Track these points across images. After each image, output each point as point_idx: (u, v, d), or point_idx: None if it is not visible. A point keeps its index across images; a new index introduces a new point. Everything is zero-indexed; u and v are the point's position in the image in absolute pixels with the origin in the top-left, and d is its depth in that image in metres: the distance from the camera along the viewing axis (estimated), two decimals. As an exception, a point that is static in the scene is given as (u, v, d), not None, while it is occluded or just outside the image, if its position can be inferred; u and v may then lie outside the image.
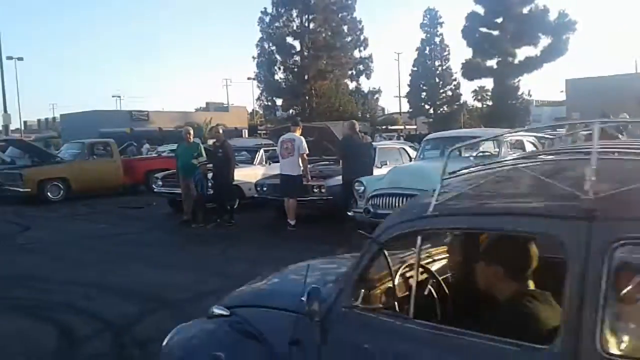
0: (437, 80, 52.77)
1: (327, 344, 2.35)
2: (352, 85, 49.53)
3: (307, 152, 9.76)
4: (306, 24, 44.95)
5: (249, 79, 50.53)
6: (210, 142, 13.61)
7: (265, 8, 44.96)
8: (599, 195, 1.76)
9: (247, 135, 36.47)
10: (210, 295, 4.94)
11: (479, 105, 52.20)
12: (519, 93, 39.82)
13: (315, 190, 10.10)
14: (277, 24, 45.21)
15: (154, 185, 13.60)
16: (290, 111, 45.88)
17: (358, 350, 2.26)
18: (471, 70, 38.81)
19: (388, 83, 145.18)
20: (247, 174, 11.84)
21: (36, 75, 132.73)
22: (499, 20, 37.16)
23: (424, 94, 52.94)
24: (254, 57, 46.40)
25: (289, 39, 45.47)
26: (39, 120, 79.41)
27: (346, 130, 10.36)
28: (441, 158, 10.36)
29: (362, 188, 8.79)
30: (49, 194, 15.33)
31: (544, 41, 36.43)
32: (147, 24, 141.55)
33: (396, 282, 2.37)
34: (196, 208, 10.73)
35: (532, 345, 1.79)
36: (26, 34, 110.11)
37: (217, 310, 3.00)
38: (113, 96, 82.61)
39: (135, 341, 4.77)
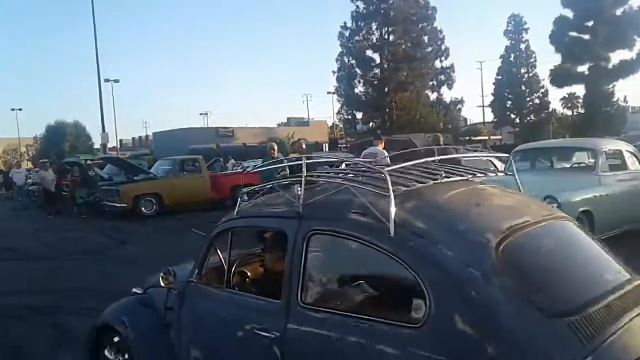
0: (523, 88, 50.97)
1: (183, 308, 3.40)
2: (433, 96, 48.76)
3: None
4: (386, 36, 44.95)
5: (328, 93, 51.19)
6: (292, 156, 13.79)
7: (345, 22, 45.48)
8: (304, 203, 2.80)
9: (327, 149, 36.77)
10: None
11: (569, 113, 49.74)
12: (614, 99, 37.47)
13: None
14: (356, 38, 45.51)
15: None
16: (370, 124, 45.89)
17: (197, 311, 3.33)
18: (561, 76, 37.05)
19: (471, 93, 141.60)
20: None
21: (131, 95, 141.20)
22: (590, 23, 35.29)
23: (509, 102, 51.28)
24: (333, 72, 46.98)
25: (369, 52, 45.65)
26: (133, 139, 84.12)
27: (430, 143, 10.19)
28: (532, 171, 9.92)
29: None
30: (143, 208, 16.15)
31: (640, 44, 34.21)
32: (230, 44, 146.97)
33: (234, 264, 3.46)
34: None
35: (272, 300, 2.83)
36: (121, 57, 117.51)
37: (135, 290, 4.17)
38: (200, 114, 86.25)
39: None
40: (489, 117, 55.80)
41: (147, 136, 74.20)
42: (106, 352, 3.88)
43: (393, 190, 2.44)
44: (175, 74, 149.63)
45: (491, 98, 52.96)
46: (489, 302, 2.15)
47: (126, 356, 3.70)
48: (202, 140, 38.09)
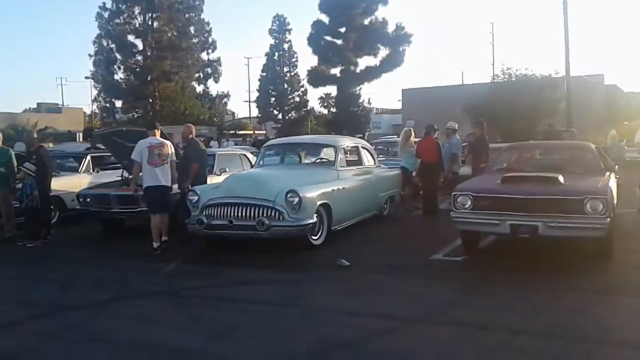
0: (286, 86, 53.34)
1: None
2: (199, 88, 48.38)
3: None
4: (149, 22, 42.92)
5: (86, 78, 47.03)
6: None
7: (104, 3, 42.17)
8: None
9: (81, 139, 33.68)
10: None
11: (325, 111, 53.70)
12: (360, 100, 41.64)
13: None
14: (117, 21, 42.66)
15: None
16: (132, 113, 43.45)
17: None
18: (316, 77, 39.76)
19: (238, 87, 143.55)
20: (70, 184, 10.70)
21: None
22: (342, 29, 38.52)
23: (273, 99, 53.22)
24: (90, 55, 43.34)
25: (131, 37, 43.08)
26: None
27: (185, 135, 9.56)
28: (280, 165, 10.15)
29: (196, 197, 8.18)
30: None
31: (383, 52, 38.53)
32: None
33: None
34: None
35: None
36: None
37: None
38: None
39: None
40: (255, 112, 57.31)
41: None
42: None
43: None
44: None
45: (257, 94, 54.41)
46: None
47: None
48: None
